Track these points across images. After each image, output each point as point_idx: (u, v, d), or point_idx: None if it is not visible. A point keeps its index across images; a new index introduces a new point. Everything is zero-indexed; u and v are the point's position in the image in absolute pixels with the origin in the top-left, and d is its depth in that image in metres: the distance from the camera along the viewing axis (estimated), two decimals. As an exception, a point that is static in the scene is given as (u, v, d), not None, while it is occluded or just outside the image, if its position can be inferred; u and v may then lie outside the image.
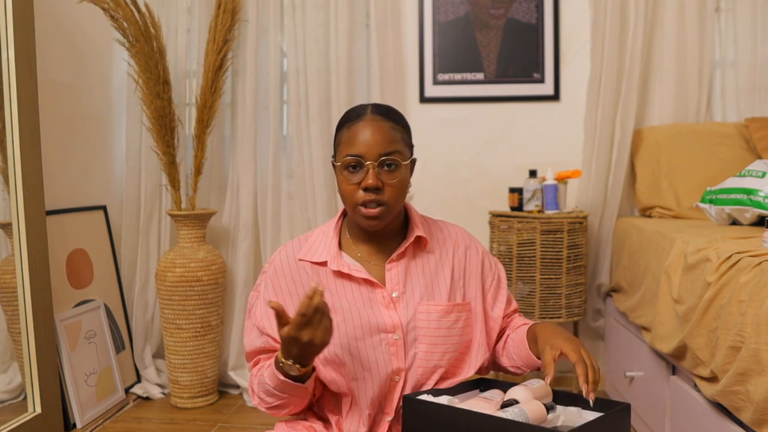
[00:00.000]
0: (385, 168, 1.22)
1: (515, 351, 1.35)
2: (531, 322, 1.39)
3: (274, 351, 1.29)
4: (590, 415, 1.18)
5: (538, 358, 1.28)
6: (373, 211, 1.22)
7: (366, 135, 1.22)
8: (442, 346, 1.27)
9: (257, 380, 1.25)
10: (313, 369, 1.20)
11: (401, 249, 1.30)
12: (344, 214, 1.37)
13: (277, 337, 1.24)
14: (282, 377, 1.17)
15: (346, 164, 1.22)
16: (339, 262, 1.28)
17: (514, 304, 1.44)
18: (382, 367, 1.25)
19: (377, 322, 1.25)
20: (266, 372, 1.21)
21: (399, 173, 1.23)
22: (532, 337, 1.30)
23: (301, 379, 1.18)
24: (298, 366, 1.14)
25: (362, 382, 1.26)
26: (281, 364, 1.15)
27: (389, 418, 1.28)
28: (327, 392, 1.32)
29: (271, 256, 1.36)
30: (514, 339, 1.37)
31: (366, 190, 1.21)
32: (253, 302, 1.33)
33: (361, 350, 1.24)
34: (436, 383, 1.29)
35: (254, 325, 1.31)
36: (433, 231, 1.36)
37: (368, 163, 1.21)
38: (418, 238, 1.32)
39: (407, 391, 1.27)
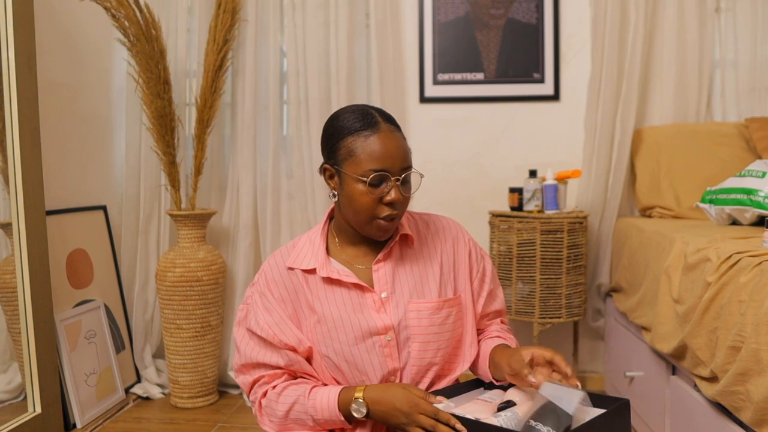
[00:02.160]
0: (404, 181, 1.22)
1: (479, 360, 1.36)
2: (502, 337, 1.38)
3: (281, 368, 1.26)
4: (589, 413, 1.18)
5: (495, 380, 1.30)
6: (391, 224, 1.23)
7: (389, 149, 1.20)
8: (435, 343, 1.27)
9: (282, 407, 1.22)
10: None
11: (387, 249, 1.30)
12: (329, 218, 1.36)
13: (294, 345, 1.25)
14: (341, 417, 1.19)
15: (373, 181, 1.19)
16: (328, 268, 1.27)
17: (497, 305, 1.41)
18: (378, 369, 1.25)
19: (369, 326, 1.24)
20: (311, 404, 1.20)
21: (412, 185, 1.25)
22: (493, 361, 1.30)
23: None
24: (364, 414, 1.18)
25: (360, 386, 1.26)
26: (353, 408, 1.17)
27: None
28: None
29: (264, 262, 1.35)
30: (482, 348, 1.37)
31: (390, 205, 1.21)
32: (244, 315, 1.31)
33: (356, 355, 1.24)
34: (431, 381, 1.29)
35: (253, 334, 1.27)
36: (420, 227, 1.36)
37: (394, 178, 1.20)
38: (404, 236, 1.32)
39: None
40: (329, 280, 1.27)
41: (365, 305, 1.26)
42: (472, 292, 1.36)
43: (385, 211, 1.21)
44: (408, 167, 1.22)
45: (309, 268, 1.28)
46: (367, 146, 1.20)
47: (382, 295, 1.27)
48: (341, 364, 1.25)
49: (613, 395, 1.26)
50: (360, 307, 1.26)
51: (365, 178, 1.19)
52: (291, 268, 1.29)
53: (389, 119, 1.25)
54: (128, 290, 2.94)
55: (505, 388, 1.27)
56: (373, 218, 1.22)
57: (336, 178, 1.25)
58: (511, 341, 1.38)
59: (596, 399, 1.18)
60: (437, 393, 1.25)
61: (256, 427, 2.48)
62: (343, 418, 1.18)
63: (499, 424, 1.07)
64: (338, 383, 1.27)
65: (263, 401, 1.26)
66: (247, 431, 2.46)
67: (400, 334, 1.25)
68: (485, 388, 1.34)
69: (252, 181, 2.84)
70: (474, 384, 1.34)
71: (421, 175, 1.26)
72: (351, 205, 1.23)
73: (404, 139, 1.25)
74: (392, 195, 1.20)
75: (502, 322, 1.44)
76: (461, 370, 1.33)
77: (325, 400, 1.19)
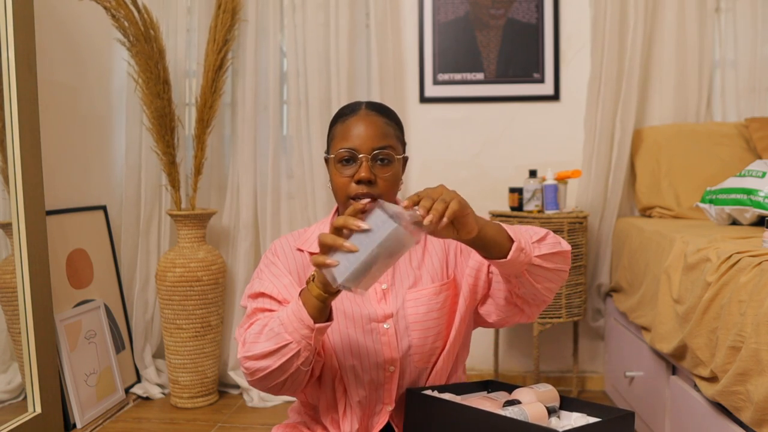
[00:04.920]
0: (378, 162, 1.24)
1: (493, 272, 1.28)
2: None
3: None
4: (594, 421, 1.18)
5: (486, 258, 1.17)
6: (368, 205, 1.23)
7: (360, 129, 1.24)
8: (435, 328, 1.28)
9: (258, 326, 1.16)
10: (328, 320, 1.13)
11: None
12: (338, 211, 1.38)
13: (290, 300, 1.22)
14: (300, 304, 1.09)
15: (340, 157, 1.23)
16: None
17: None
18: (372, 356, 1.25)
19: (368, 312, 1.26)
20: (280, 311, 1.14)
21: (392, 167, 1.25)
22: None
23: (320, 313, 1.09)
24: (321, 288, 1.08)
25: (351, 372, 1.26)
26: (308, 284, 1.10)
27: (390, 408, 1.28)
28: (322, 393, 1.30)
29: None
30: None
31: (359, 182, 1.22)
32: (252, 285, 1.30)
33: (352, 337, 1.25)
34: (434, 364, 1.30)
35: (258, 295, 1.25)
36: None
37: (361, 156, 1.22)
38: None
39: (405, 379, 1.28)
40: None
41: (366, 294, 1.27)
42: (464, 264, 1.31)
43: (355, 190, 1.22)
44: (382, 147, 1.23)
45: (317, 251, 1.28)
46: (342, 128, 1.26)
47: (383, 287, 1.29)
48: (336, 344, 1.26)
49: (613, 396, 1.25)
50: (360, 295, 1.27)
51: (335, 156, 1.24)
52: (300, 250, 1.32)
53: (373, 106, 1.28)
54: (128, 290, 2.94)
55: (509, 390, 1.28)
56: (348, 198, 1.24)
57: (328, 166, 1.31)
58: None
59: (602, 410, 1.18)
60: (442, 390, 1.25)
61: (256, 427, 2.48)
62: (302, 304, 1.10)
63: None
64: (334, 366, 1.26)
65: (244, 331, 1.20)
66: (247, 431, 2.46)
67: (398, 324, 1.27)
68: (489, 390, 1.34)
69: (252, 181, 2.84)
70: (478, 385, 1.35)
71: (400, 156, 1.27)
72: (332, 187, 1.27)
73: (387, 122, 1.26)
74: (360, 173, 1.21)
75: None
76: (464, 355, 1.35)
77: (288, 307, 1.13)
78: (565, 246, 1.21)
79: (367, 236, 1.00)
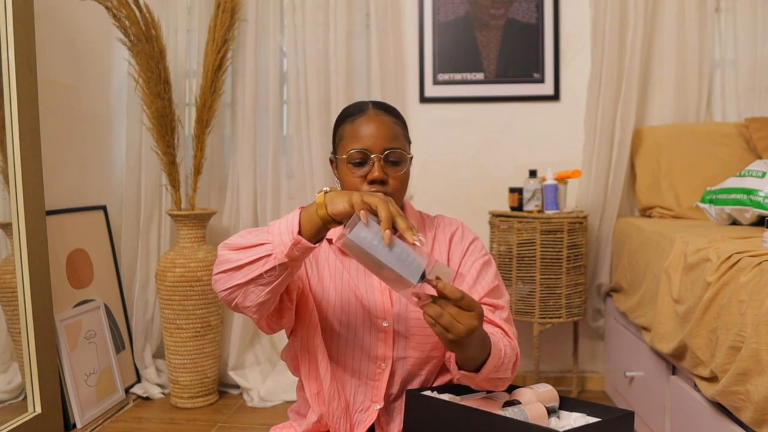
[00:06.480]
0: (390, 162, 1.24)
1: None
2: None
3: None
4: (593, 421, 1.18)
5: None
6: None
7: (370, 129, 1.24)
8: (434, 336, 1.26)
9: (238, 237, 1.12)
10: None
11: None
12: None
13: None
14: (296, 214, 1.05)
15: (352, 158, 1.23)
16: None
17: (498, 302, 1.32)
18: (366, 348, 1.26)
19: (369, 302, 1.26)
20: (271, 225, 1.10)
21: (403, 167, 1.26)
22: None
23: (313, 231, 1.05)
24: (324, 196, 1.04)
25: (341, 368, 1.27)
26: (319, 199, 1.05)
27: (378, 406, 1.28)
28: (312, 381, 1.28)
29: None
30: None
31: (372, 182, 1.22)
32: None
33: (351, 324, 1.26)
34: (428, 373, 1.29)
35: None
36: (427, 226, 1.38)
37: (374, 156, 1.23)
38: None
39: (396, 380, 1.28)
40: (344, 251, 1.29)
41: (372, 286, 1.28)
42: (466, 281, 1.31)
43: (368, 189, 1.22)
44: (393, 148, 1.24)
45: (327, 237, 1.30)
46: (352, 129, 1.26)
47: None
48: (335, 325, 1.26)
49: (613, 396, 1.25)
50: (365, 286, 1.28)
51: (347, 157, 1.24)
52: None
53: (380, 105, 1.28)
54: (128, 290, 2.94)
55: (509, 390, 1.28)
56: None
57: (336, 167, 1.30)
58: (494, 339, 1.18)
59: (601, 410, 1.18)
60: (442, 390, 1.25)
61: (256, 427, 2.48)
62: (298, 214, 1.05)
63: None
64: (329, 345, 1.27)
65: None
66: (247, 431, 2.46)
67: (398, 325, 1.26)
68: (488, 391, 1.34)
69: (252, 181, 2.84)
70: None
71: (410, 156, 1.28)
72: (342, 188, 1.26)
73: (395, 122, 1.27)
74: (374, 173, 1.22)
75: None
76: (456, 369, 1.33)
77: (284, 218, 1.08)
78: (508, 374, 1.19)
79: (402, 251, 0.96)
